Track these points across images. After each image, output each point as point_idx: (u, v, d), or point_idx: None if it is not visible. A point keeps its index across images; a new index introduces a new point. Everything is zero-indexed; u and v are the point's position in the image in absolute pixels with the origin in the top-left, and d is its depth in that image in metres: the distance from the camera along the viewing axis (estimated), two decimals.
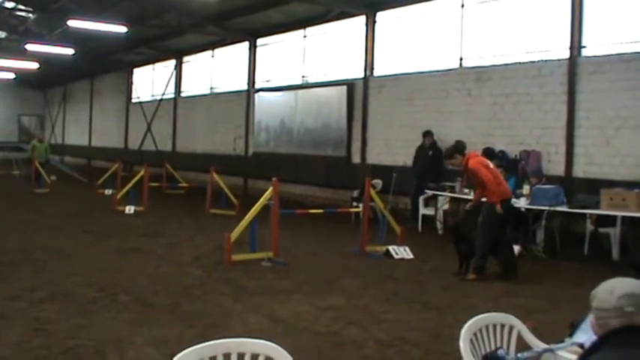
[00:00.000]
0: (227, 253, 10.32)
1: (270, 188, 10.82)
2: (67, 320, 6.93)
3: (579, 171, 13.36)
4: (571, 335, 4.15)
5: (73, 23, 19.83)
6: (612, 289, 2.65)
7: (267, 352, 3.21)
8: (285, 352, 3.23)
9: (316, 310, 7.63)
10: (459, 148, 10.31)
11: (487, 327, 3.77)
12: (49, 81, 44.29)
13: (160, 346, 6.22)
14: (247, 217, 10.66)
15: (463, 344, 3.59)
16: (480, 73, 15.36)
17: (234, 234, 10.41)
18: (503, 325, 3.84)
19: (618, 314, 2.58)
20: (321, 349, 6.28)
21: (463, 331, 3.63)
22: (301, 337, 6.56)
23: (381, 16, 18.47)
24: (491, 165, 10.25)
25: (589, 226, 11.93)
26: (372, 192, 12.18)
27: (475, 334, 3.69)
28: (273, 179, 10.89)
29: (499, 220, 9.87)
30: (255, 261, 10.45)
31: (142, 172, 18.38)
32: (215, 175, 18.23)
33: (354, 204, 16.08)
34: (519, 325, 3.87)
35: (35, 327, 6.65)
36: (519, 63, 14.54)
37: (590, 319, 2.76)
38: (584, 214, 11.77)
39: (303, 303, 7.97)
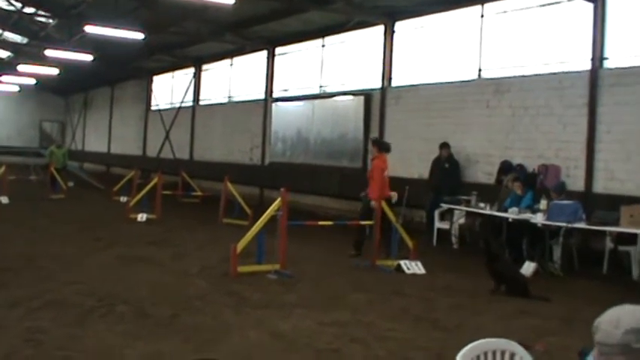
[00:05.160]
0: (233, 265, 10.06)
1: (279, 199, 10.58)
2: (61, 330, 6.71)
3: (600, 186, 12.99)
4: None
5: (90, 29, 19.76)
6: (617, 322, 2.33)
7: None
8: None
9: (319, 326, 7.35)
10: (379, 144, 13.04)
11: (485, 354, 3.47)
12: (70, 87, 44.50)
13: None
14: (254, 228, 10.42)
15: None
16: (499, 85, 15.05)
17: (241, 245, 10.16)
18: (503, 352, 3.53)
19: (624, 350, 2.27)
20: None
21: (458, 358, 3.34)
22: (299, 354, 6.29)
23: (400, 26, 18.23)
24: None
25: (609, 244, 11.55)
26: (385, 205, 11.88)
27: None
28: (282, 189, 10.65)
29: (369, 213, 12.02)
30: (262, 273, 10.18)
31: (155, 180, 18.24)
32: (229, 185, 18.04)
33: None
34: (521, 353, 3.57)
35: (27, 337, 6.43)
36: (539, 74, 14.22)
37: (594, 352, 2.46)
38: (604, 232, 11.37)
39: (306, 318, 7.69)
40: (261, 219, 10.47)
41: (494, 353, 3.51)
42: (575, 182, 13.07)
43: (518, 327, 7.55)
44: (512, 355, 3.54)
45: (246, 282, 9.60)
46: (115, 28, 19.97)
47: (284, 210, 10.56)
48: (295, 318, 7.68)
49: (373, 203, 11.97)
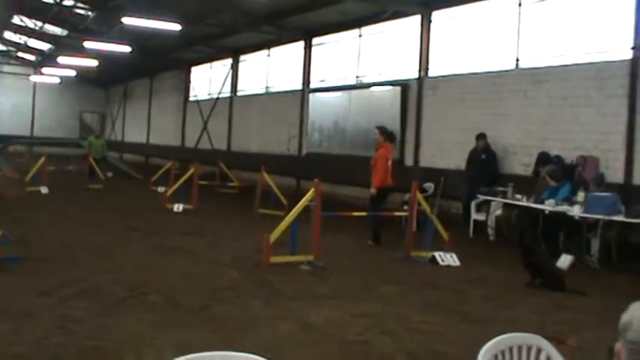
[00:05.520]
0: (265, 255, 10.05)
1: (312, 189, 10.53)
2: (91, 319, 6.76)
3: None
4: None
5: (127, 20, 19.93)
6: None
7: None
8: None
9: (350, 317, 7.29)
10: (386, 133, 13.37)
11: (511, 349, 3.37)
12: (109, 79, 44.98)
13: (180, 350, 5.87)
14: (287, 218, 10.39)
15: None
16: (537, 75, 14.79)
17: (274, 235, 10.13)
18: (529, 348, 3.43)
19: None
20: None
21: (481, 354, 3.23)
22: (327, 346, 6.23)
23: (437, 16, 18.03)
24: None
25: None
26: (419, 196, 11.77)
27: (496, 357, 3.30)
28: (315, 180, 10.60)
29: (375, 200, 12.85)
30: (295, 264, 10.15)
31: (191, 170, 18.31)
32: (265, 175, 18.04)
33: (405, 207, 15.68)
34: (548, 348, 3.46)
35: (58, 325, 6.49)
36: (578, 64, 13.93)
37: (616, 348, 2.33)
38: None
39: (338, 309, 7.63)
40: (294, 209, 10.43)
41: (519, 348, 3.41)
42: (615, 174, 12.80)
43: (552, 321, 7.42)
44: (538, 351, 3.44)
45: (278, 272, 9.57)
46: (152, 19, 20.10)
47: (317, 200, 10.51)
48: (326, 309, 7.63)
49: (372, 190, 12.77)
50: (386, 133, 13.34)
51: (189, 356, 2.83)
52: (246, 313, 7.36)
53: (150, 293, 7.96)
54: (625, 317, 2.23)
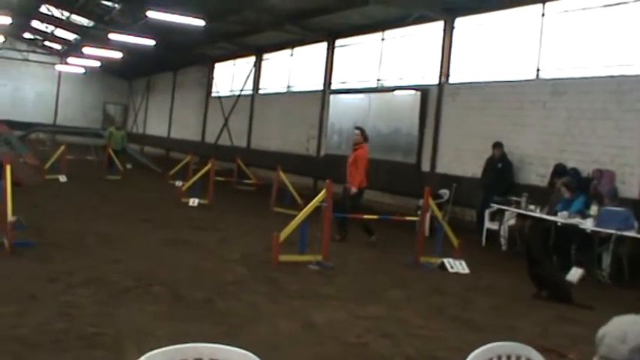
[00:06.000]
0: (274, 253, 10.07)
1: (324, 190, 10.55)
2: (95, 307, 6.82)
3: None
4: None
5: (151, 14, 20.10)
6: (624, 337, 2.16)
7: None
8: None
9: (352, 319, 7.30)
10: (365, 134, 13.48)
11: (499, 358, 3.36)
12: (133, 71, 45.24)
13: (180, 342, 5.94)
14: (297, 218, 10.41)
15: None
16: (557, 86, 14.71)
17: (284, 234, 10.15)
18: (518, 358, 3.41)
19: None
20: None
21: None
22: (327, 347, 6.24)
23: (460, 22, 17.99)
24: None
25: None
26: (431, 202, 11.74)
27: None
28: (327, 181, 10.63)
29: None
30: (303, 263, 10.17)
31: (208, 166, 18.37)
32: (282, 174, 18.07)
33: (419, 213, 15.63)
34: (537, 359, 3.44)
35: (62, 311, 6.56)
36: (598, 77, 13.84)
37: None
38: None
39: (341, 310, 7.64)
40: (305, 209, 10.47)
41: (508, 357, 3.40)
42: (630, 189, 12.70)
43: (555, 333, 7.38)
44: None
45: (286, 271, 9.59)
46: (177, 14, 20.25)
47: (329, 202, 10.53)
48: (330, 310, 7.64)
49: (353, 189, 12.91)
50: (365, 134, 13.53)
51: (174, 347, 2.86)
52: (249, 309, 7.38)
53: (155, 284, 8.01)
54: (600, 331, 2.22)
